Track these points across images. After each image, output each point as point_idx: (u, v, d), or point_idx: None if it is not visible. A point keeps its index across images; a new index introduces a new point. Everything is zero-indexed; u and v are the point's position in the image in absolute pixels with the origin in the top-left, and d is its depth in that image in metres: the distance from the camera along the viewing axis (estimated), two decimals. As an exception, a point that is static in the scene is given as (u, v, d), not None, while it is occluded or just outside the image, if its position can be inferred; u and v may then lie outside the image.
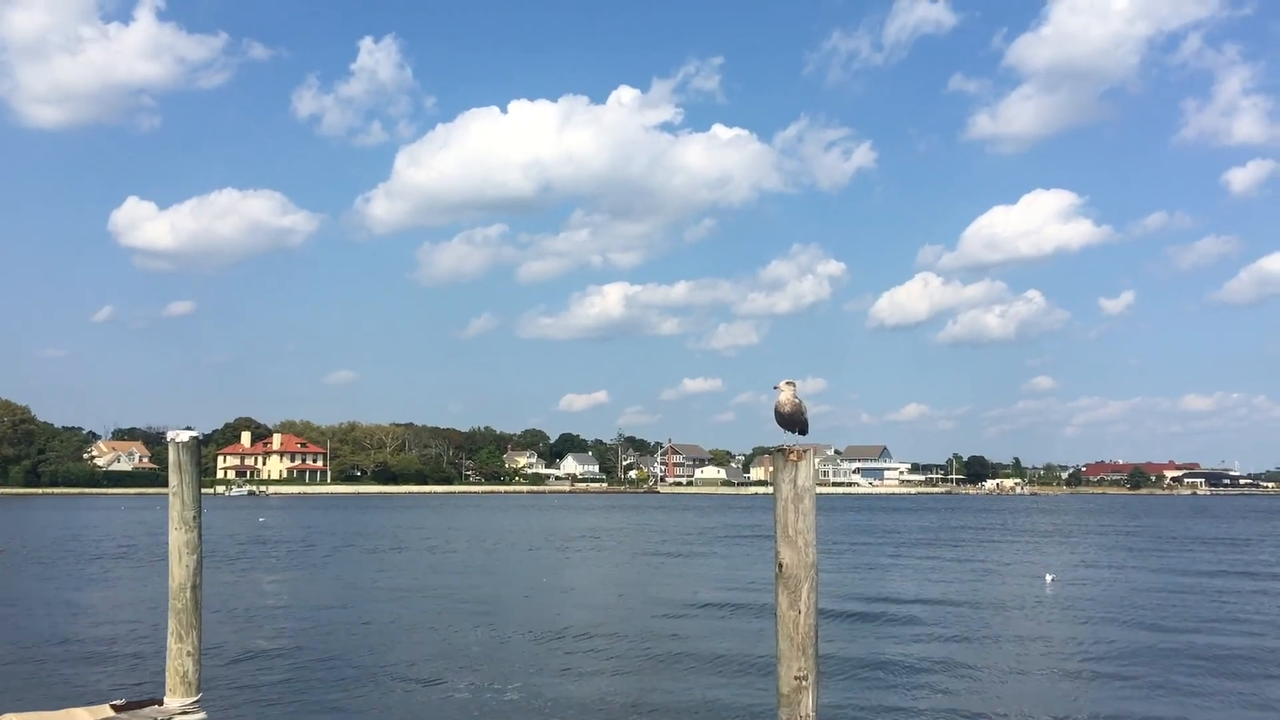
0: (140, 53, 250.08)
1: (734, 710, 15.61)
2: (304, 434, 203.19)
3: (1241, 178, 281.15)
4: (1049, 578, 34.27)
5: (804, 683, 7.61)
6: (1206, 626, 24.18)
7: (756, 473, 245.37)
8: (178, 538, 11.32)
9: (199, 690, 11.31)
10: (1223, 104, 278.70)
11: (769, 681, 8.90)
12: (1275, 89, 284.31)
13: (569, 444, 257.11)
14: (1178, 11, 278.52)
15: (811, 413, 8.66)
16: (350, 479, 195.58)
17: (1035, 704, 16.02)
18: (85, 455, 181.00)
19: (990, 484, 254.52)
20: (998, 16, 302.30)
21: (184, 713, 11.02)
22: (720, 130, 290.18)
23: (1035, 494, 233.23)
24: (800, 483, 7.69)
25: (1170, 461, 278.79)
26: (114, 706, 11.16)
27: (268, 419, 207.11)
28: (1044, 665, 19.15)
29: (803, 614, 7.63)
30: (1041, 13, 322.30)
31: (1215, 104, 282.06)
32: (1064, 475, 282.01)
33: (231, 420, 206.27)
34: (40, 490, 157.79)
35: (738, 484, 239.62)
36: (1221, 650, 20.73)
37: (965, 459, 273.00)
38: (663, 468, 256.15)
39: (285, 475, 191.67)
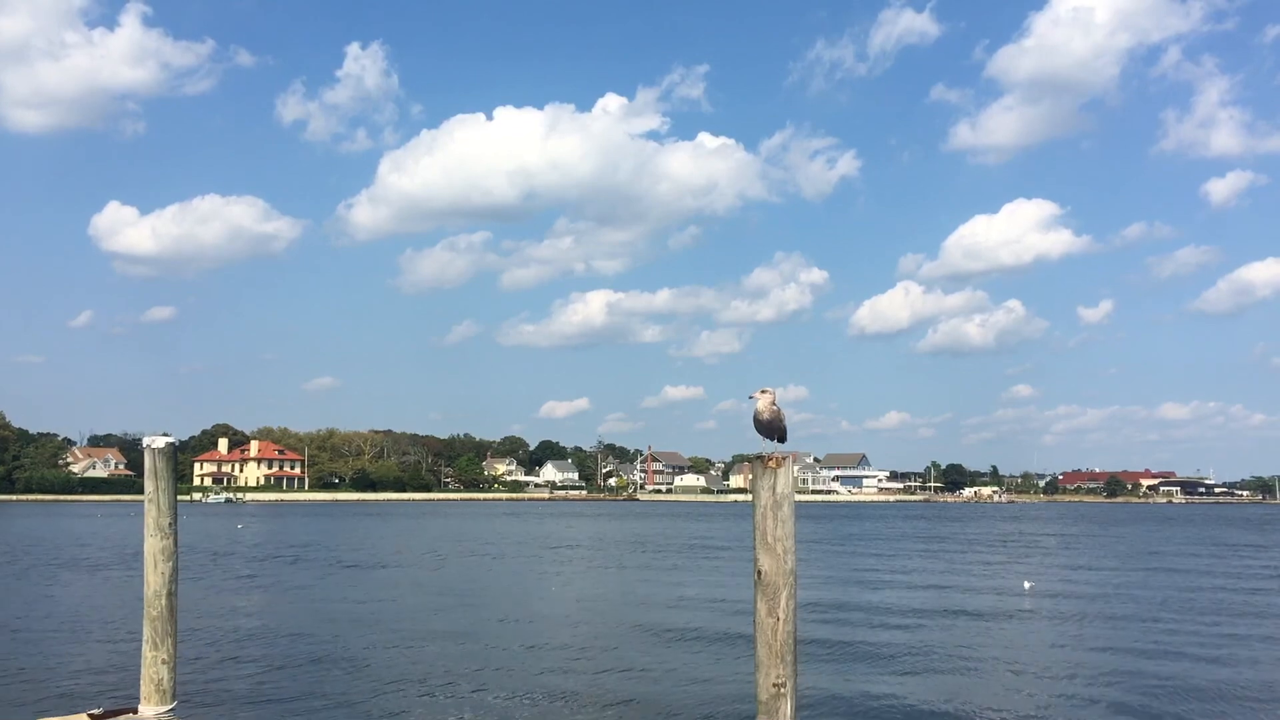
0: (125, 58, 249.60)
1: (713, 717, 15.61)
2: (282, 441, 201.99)
3: (1221, 188, 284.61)
4: (1027, 584, 34.43)
5: (782, 690, 7.63)
6: (1185, 631, 24.35)
7: (736, 480, 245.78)
8: (153, 545, 11.25)
9: (174, 698, 11.23)
10: (1201, 115, 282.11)
11: (748, 688, 8.92)
12: (1253, 100, 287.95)
13: (549, 451, 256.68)
14: (1160, 25, 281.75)
15: (791, 420, 8.71)
16: (328, 486, 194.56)
17: (1014, 710, 16.08)
18: (60, 462, 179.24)
19: (968, 492, 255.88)
20: (981, 28, 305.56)
21: (159, 721, 10.94)
22: (706, 139, 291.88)
23: (1013, 501, 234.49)
24: (779, 490, 7.72)
25: (1146, 470, 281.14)
26: (91, 716, 11.06)
27: (245, 425, 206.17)
28: (1023, 671, 19.23)
29: (781, 621, 7.65)
30: (1024, 25, 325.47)
31: (1194, 115, 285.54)
32: (1041, 483, 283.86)
33: (209, 427, 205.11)
34: (14, 497, 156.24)
35: (717, 491, 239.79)
36: (1201, 654, 20.89)
37: (944, 467, 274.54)
38: (642, 475, 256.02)
39: (263, 482, 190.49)
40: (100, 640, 22.17)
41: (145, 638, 11.17)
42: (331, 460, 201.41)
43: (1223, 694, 17.39)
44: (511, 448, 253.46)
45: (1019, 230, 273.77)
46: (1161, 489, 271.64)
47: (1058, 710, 16.14)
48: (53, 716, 11.97)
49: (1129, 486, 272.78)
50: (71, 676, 17.99)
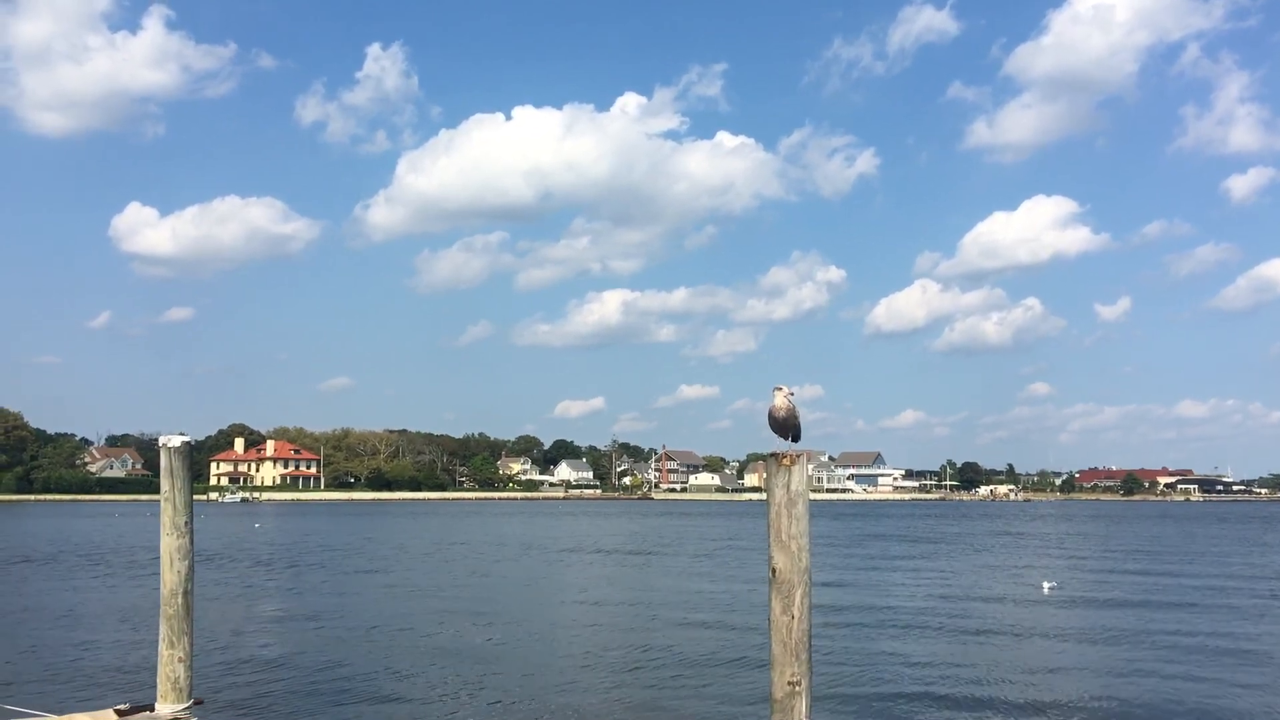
0: (147, 61, 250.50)
1: (728, 716, 15.59)
2: (297, 440, 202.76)
3: (1240, 185, 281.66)
4: (1047, 585, 34.16)
5: (797, 688, 7.61)
6: (1209, 632, 24.18)
7: (751, 479, 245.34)
8: (169, 543, 11.29)
9: (190, 696, 11.27)
10: (1221, 112, 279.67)
11: (763, 687, 8.89)
12: (1272, 97, 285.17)
13: (563, 450, 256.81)
14: (1180, 23, 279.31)
15: (806, 419, 8.67)
16: (344, 486, 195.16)
17: (1029, 711, 16.00)
18: (78, 462, 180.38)
19: (984, 490, 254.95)
20: (999, 26, 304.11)
21: (176, 719, 10.98)
22: (725, 138, 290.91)
23: (1029, 500, 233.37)
24: (794, 488, 7.69)
25: (1164, 468, 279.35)
26: (118, 712, 11.11)
27: (261, 425, 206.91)
28: (1040, 672, 19.14)
29: (796, 619, 7.63)
30: (1042, 23, 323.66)
31: (1213, 112, 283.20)
32: (1058, 481, 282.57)
33: (225, 426, 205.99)
34: (32, 497, 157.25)
35: (732, 490, 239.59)
36: (1225, 657, 20.75)
37: (959, 465, 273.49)
38: (657, 474, 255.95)
39: (278, 482, 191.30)
40: (116, 638, 22.28)
41: (162, 636, 11.22)
42: (347, 460, 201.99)
43: (1244, 697, 17.27)
44: (526, 447, 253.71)
45: (1036, 228, 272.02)
46: (1179, 487, 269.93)
47: (1075, 712, 16.05)
48: (78, 713, 12.02)
49: (1146, 485, 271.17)
50: (90, 674, 18.10)
